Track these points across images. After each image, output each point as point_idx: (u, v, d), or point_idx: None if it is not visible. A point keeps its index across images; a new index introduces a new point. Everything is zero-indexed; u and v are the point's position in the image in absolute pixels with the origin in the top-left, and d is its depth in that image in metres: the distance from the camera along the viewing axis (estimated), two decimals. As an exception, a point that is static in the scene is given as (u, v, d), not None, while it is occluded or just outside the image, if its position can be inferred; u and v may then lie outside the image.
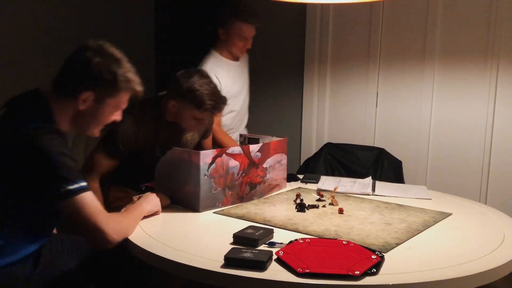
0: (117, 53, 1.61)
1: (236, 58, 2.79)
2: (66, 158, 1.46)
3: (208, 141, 2.57)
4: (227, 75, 2.73)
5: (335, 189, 2.16)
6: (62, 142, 1.49)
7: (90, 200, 1.48)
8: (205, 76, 2.17)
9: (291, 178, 2.47)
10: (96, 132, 1.66)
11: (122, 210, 1.78)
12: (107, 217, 1.51)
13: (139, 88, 1.64)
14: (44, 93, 1.58)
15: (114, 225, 1.52)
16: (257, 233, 1.55)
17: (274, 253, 1.42)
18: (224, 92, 2.36)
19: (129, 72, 1.61)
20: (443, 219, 1.88)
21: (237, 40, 2.69)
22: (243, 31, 2.68)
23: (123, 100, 1.64)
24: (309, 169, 2.93)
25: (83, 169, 2.17)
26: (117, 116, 1.67)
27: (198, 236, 1.69)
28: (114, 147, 2.13)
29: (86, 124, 1.62)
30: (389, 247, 1.54)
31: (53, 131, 1.49)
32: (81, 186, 1.47)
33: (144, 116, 2.19)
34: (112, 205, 2.18)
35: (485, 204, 2.68)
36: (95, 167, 2.14)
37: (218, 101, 2.14)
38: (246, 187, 2.08)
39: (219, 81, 2.60)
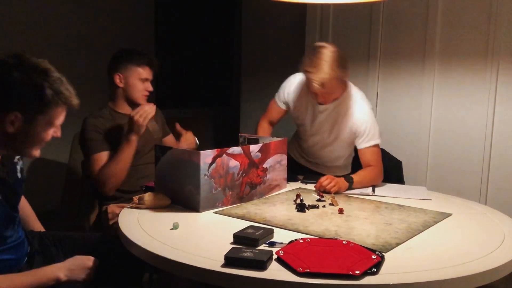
0: (41, 63, 1.43)
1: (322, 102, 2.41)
2: None
3: (170, 138, 2.67)
4: (300, 96, 2.51)
5: (335, 189, 2.16)
6: None
7: None
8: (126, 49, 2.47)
9: (291, 178, 2.47)
10: (34, 153, 1.50)
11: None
12: None
13: (74, 100, 1.47)
14: None
15: None
16: (257, 233, 1.56)
17: (274, 253, 1.42)
18: (291, 101, 2.52)
19: (57, 84, 1.42)
20: (443, 219, 1.88)
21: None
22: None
23: (57, 115, 1.46)
24: (309, 169, 2.92)
25: (87, 172, 2.23)
26: (56, 133, 1.51)
27: (198, 236, 1.69)
28: (97, 142, 2.29)
29: (21, 146, 1.47)
30: (389, 247, 1.54)
31: None
32: None
33: (100, 113, 2.40)
34: (111, 221, 2.20)
35: (485, 204, 2.68)
36: (98, 163, 2.27)
37: (147, 55, 2.45)
38: (246, 187, 2.08)
39: (290, 89, 2.53)
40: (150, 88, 2.46)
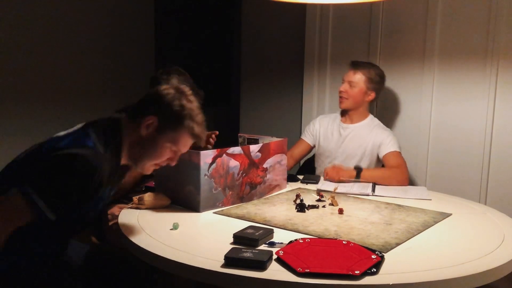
0: (192, 96, 1.64)
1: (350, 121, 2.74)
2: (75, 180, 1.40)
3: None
4: (326, 125, 2.80)
5: (335, 189, 2.17)
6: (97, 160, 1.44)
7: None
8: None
9: (291, 178, 2.47)
10: (147, 167, 1.63)
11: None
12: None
13: (200, 133, 1.63)
14: (123, 121, 1.60)
15: None
16: (257, 233, 1.56)
17: (274, 253, 1.42)
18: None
19: (197, 115, 1.62)
20: (443, 219, 1.88)
21: None
22: None
23: (183, 139, 1.61)
24: (309, 169, 2.93)
25: None
26: (172, 160, 1.64)
27: (198, 236, 1.69)
28: None
29: (141, 153, 1.59)
30: (389, 247, 1.54)
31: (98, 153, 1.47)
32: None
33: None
34: (110, 222, 2.20)
35: (485, 204, 2.68)
36: None
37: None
38: (246, 187, 2.08)
39: (316, 121, 2.86)
40: None
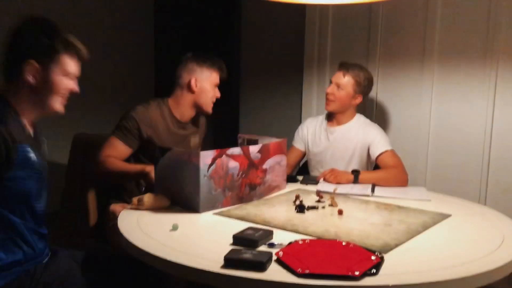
0: (51, 21, 1.59)
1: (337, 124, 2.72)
2: None
3: None
4: (313, 129, 2.79)
5: (334, 190, 2.17)
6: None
7: None
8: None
9: (290, 179, 2.47)
10: (58, 106, 1.62)
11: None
12: None
13: (81, 48, 1.61)
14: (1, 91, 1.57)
15: None
16: (256, 234, 1.56)
17: (273, 254, 1.42)
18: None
19: (66, 35, 1.58)
20: (442, 220, 1.88)
21: None
22: None
23: (70, 64, 1.60)
24: (309, 170, 2.93)
25: (102, 149, 2.27)
26: (74, 86, 1.63)
27: (198, 237, 1.69)
28: (126, 131, 2.26)
29: (43, 98, 1.58)
30: (389, 248, 1.54)
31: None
32: None
33: (156, 108, 2.36)
34: (110, 221, 2.20)
35: (485, 205, 2.68)
36: (109, 148, 2.25)
37: (221, 60, 2.42)
38: (246, 188, 2.08)
39: (303, 126, 2.84)
40: (219, 95, 2.43)
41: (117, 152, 2.24)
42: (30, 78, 1.54)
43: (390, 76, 3.09)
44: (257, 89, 3.71)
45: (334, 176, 2.42)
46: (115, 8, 3.58)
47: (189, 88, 2.36)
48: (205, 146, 2.62)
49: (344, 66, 2.66)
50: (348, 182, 2.41)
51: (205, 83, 2.36)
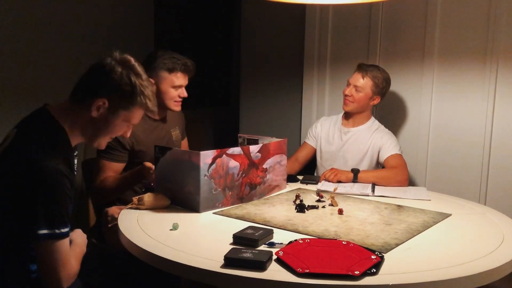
0: (139, 68, 1.59)
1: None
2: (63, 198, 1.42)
3: (185, 142, 2.63)
4: (327, 128, 2.81)
5: (334, 190, 2.17)
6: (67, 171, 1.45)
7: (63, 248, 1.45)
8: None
9: (291, 179, 2.47)
10: (103, 143, 1.62)
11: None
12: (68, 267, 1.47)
13: (153, 107, 1.62)
14: (52, 109, 1.55)
15: (69, 272, 1.48)
16: (257, 234, 1.56)
17: (274, 253, 1.42)
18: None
19: (147, 89, 1.58)
20: (442, 219, 1.88)
21: None
22: None
23: (136, 115, 1.60)
24: (309, 170, 2.93)
25: (93, 173, 2.25)
26: (126, 133, 1.65)
27: (198, 237, 1.69)
28: (110, 150, 2.22)
29: (96, 133, 1.58)
30: (389, 248, 1.54)
31: (58, 155, 1.46)
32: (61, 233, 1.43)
33: None
34: (110, 224, 2.20)
35: (485, 205, 2.68)
36: (103, 172, 2.23)
37: (182, 60, 2.34)
38: (246, 187, 2.08)
39: (318, 124, 2.85)
40: (184, 95, 2.37)
41: (111, 172, 2.23)
42: (94, 113, 1.53)
43: (390, 76, 3.09)
44: (257, 89, 3.70)
45: (334, 175, 2.43)
46: (115, 8, 3.58)
47: None
48: (205, 146, 2.62)
49: (363, 68, 2.66)
50: (348, 180, 2.42)
51: (162, 85, 2.31)
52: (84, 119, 1.54)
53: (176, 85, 2.33)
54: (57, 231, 1.41)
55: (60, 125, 1.52)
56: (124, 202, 2.27)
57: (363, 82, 2.62)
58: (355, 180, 2.42)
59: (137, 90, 1.55)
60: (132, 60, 1.59)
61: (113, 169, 2.24)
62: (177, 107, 2.38)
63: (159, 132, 2.41)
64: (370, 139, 2.66)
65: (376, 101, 2.69)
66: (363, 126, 2.71)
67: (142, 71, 1.59)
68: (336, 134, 2.75)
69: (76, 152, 1.68)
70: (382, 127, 2.74)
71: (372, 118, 2.75)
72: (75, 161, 1.67)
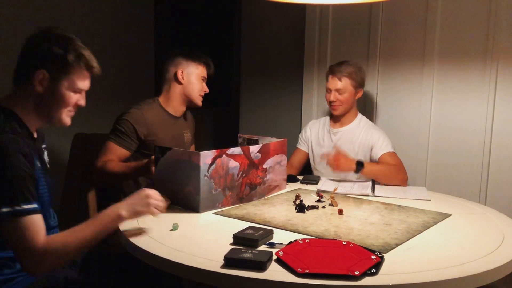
0: (68, 34, 1.58)
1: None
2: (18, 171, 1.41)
3: (192, 148, 2.66)
4: (316, 131, 2.83)
5: (334, 190, 2.17)
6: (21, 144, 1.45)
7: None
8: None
9: (291, 179, 2.47)
10: (64, 118, 1.60)
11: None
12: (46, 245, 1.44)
13: (94, 65, 1.59)
14: (0, 101, 1.56)
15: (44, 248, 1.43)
16: (256, 234, 1.56)
17: (273, 254, 1.42)
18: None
19: (81, 49, 1.57)
20: (442, 219, 1.88)
21: None
22: None
23: (79, 78, 1.58)
24: (309, 170, 2.93)
25: (99, 155, 2.27)
26: (80, 101, 1.61)
27: (198, 237, 1.69)
28: (121, 134, 2.29)
29: (49, 109, 1.57)
30: (389, 248, 1.54)
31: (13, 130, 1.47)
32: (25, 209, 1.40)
33: (148, 107, 2.39)
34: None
35: (485, 205, 2.68)
36: (108, 153, 2.26)
37: (206, 56, 2.51)
38: (246, 187, 2.08)
39: (307, 128, 2.88)
40: (206, 89, 2.49)
41: (115, 156, 2.26)
42: (38, 87, 1.53)
43: (390, 76, 3.09)
44: (257, 89, 3.70)
45: (336, 164, 2.41)
46: (116, 8, 3.58)
47: (176, 79, 2.43)
48: (205, 146, 2.63)
49: (336, 71, 2.66)
50: (349, 170, 2.42)
51: (191, 76, 2.43)
52: (33, 99, 1.54)
53: (204, 77, 2.46)
54: (18, 208, 1.39)
55: (11, 111, 1.53)
56: (126, 194, 2.28)
57: (343, 84, 2.63)
58: (357, 173, 2.41)
59: (70, 52, 1.54)
60: (58, 28, 1.59)
61: (117, 154, 2.27)
62: (199, 101, 2.48)
63: (174, 129, 2.46)
64: (360, 137, 2.66)
65: (360, 93, 2.71)
66: (351, 124, 2.72)
67: (72, 36, 1.58)
68: (325, 135, 2.76)
69: (44, 145, 1.68)
70: (371, 123, 2.76)
71: (359, 115, 2.76)
72: (45, 152, 1.67)
